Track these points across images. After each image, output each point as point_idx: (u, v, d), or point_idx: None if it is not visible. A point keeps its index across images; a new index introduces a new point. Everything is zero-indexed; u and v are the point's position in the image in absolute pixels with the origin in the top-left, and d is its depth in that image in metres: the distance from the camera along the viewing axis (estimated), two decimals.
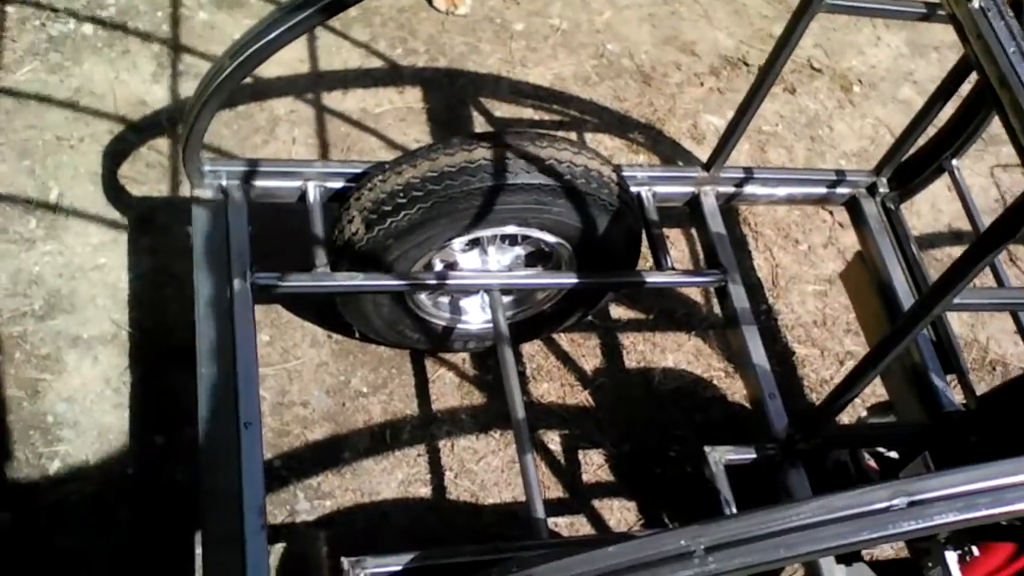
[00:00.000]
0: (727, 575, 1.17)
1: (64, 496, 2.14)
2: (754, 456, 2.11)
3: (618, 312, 2.73)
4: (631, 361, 2.66)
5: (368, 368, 2.48)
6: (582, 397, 2.57)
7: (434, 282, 2.13)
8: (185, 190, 2.62)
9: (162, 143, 2.69)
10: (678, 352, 2.70)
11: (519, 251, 2.30)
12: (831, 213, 3.08)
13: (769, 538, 1.17)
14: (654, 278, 2.28)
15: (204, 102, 1.81)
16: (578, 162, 2.07)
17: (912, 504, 1.17)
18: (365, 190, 2.09)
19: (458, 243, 2.18)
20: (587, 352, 2.64)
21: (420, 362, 2.53)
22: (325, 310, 2.48)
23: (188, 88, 2.78)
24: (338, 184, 2.17)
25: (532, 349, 2.60)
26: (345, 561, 1.81)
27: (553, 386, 2.57)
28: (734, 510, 2.01)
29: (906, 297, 2.29)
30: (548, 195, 2.04)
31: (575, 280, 2.20)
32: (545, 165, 2.03)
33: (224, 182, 2.09)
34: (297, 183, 2.16)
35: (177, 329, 2.41)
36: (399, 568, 1.82)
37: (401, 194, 2.03)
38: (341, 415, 2.40)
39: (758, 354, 2.21)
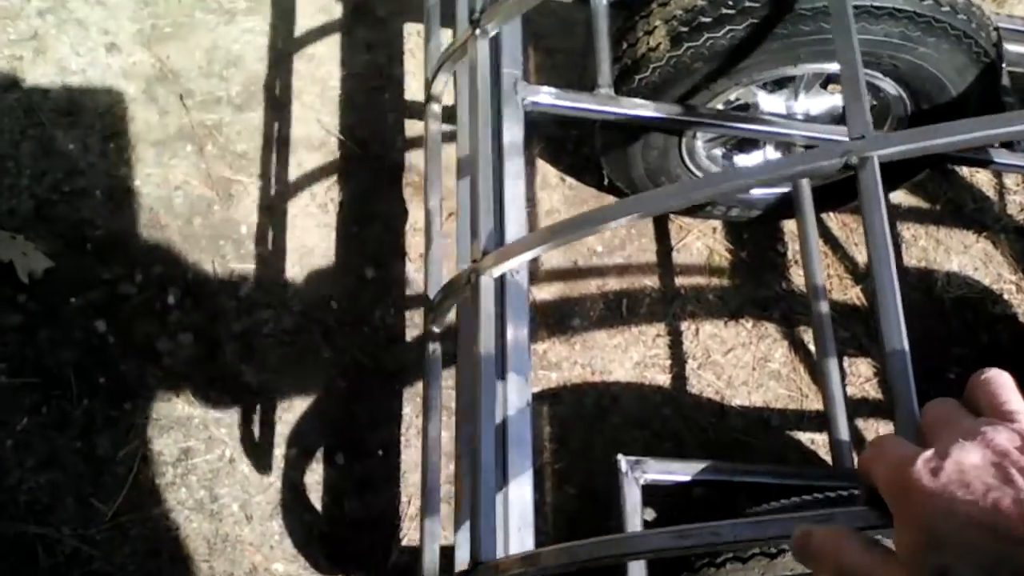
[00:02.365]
0: None
1: (255, 325, 1.79)
2: None
3: (897, 196, 2.26)
4: (910, 258, 2.20)
5: None
6: (852, 293, 2.13)
7: (759, 127, 1.68)
8: None
9: None
10: (964, 254, 2.23)
11: (836, 101, 1.82)
12: None
13: None
14: (1006, 159, 1.80)
15: None
16: None
17: None
18: None
19: (770, 77, 1.71)
20: (860, 240, 2.19)
21: (664, 225, 2.11)
22: (562, 142, 2.05)
23: None
24: None
25: (793, 226, 2.16)
26: (623, 460, 1.43)
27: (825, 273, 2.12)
28: None
29: None
30: (919, 29, 1.56)
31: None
32: None
33: None
34: None
35: (394, 144, 2.01)
36: (685, 478, 1.44)
37: (730, 2, 1.56)
38: (572, 275, 2.00)
39: None
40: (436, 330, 1.44)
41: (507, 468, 1.29)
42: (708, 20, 1.58)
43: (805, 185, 1.79)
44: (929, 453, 0.62)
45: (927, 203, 2.27)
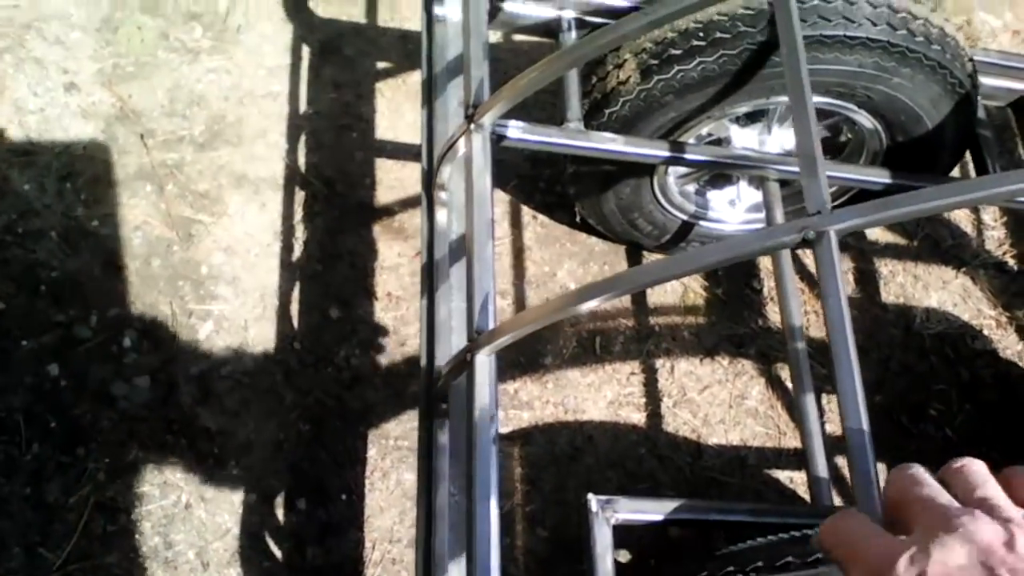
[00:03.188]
0: None
1: (213, 367, 1.73)
2: None
3: (875, 233, 2.23)
4: (888, 295, 2.17)
5: (577, 261, 2.03)
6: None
7: (731, 160, 1.64)
8: (380, 15, 2.16)
9: None
10: (943, 290, 2.20)
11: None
12: None
13: None
14: (981, 191, 1.76)
15: None
16: (935, 23, 1.56)
17: None
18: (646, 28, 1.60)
19: (743, 110, 1.68)
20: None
21: (638, 262, 2.07)
22: (535, 179, 2.02)
23: None
24: (603, 20, 1.69)
25: (769, 263, 2.12)
26: (593, 500, 1.38)
27: (793, 310, 2.08)
28: None
29: None
30: (893, 59, 1.54)
31: (888, 180, 1.70)
32: (898, 19, 1.52)
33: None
34: (551, 11, 1.68)
35: (361, 182, 1.97)
36: (658, 517, 1.39)
37: (700, 34, 1.53)
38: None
39: None
40: (443, 406, 1.37)
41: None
42: (678, 52, 1.56)
43: (778, 218, 1.76)
44: (909, 554, 0.58)
45: (904, 239, 2.24)
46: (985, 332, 2.18)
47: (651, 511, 1.39)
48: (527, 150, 2.03)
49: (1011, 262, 2.28)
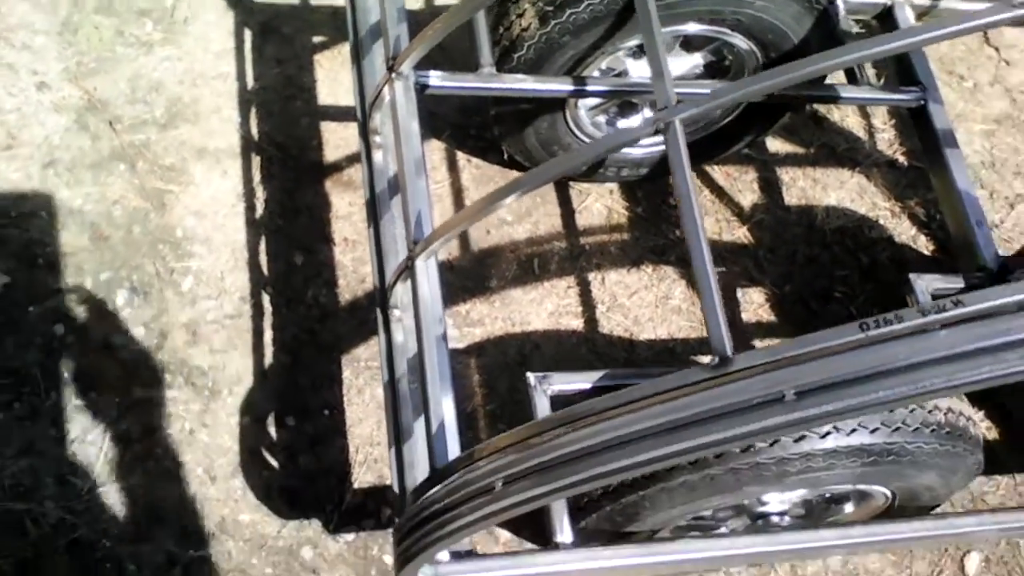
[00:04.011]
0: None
1: (199, 314, 1.98)
2: (962, 285, 1.90)
3: (775, 145, 2.50)
4: (791, 198, 2.44)
5: None
6: (740, 233, 2.36)
7: (620, 88, 1.90)
8: None
9: None
10: (841, 189, 2.48)
11: (697, 59, 2.06)
12: (997, 50, 2.81)
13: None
14: (849, 92, 2.04)
15: None
16: None
17: None
18: None
19: (632, 43, 1.94)
20: (743, 187, 2.43)
21: (565, 192, 2.33)
22: (466, 127, 2.28)
23: None
24: None
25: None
26: (531, 377, 1.65)
27: (708, 221, 2.36)
28: None
29: None
30: None
31: (769, 88, 1.96)
32: None
33: None
34: None
35: (310, 144, 2.21)
36: (586, 386, 1.65)
37: None
38: (485, 242, 2.22)
39: (962, 179, 1.99)
40: (392, 304, 1.61)
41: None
42: None
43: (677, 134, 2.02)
44: None
45: (802, 148, 2.51)
46: (881, 222, 2.46)
47: (580, 381, 1.66)
48: (457, 101, 2.30)
49: (901, 159, 2.56)
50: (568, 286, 2.21)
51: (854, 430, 1.40)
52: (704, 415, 1.08)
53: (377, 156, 1.73)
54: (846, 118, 2.58)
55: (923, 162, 2.33)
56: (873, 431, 1.41)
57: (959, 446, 1.50)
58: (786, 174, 2.47)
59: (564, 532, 1.50)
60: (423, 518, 1.29)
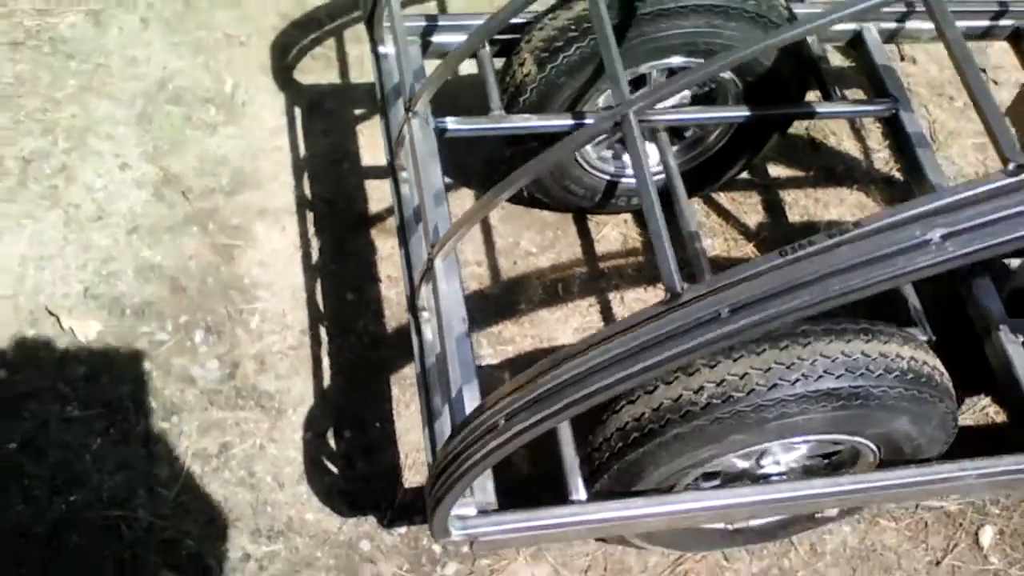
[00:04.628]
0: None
1: (266, 347, 2.26)
2: None
3: (776, 171, 2.73)
4: (794, 216, 2.66)
5: (535, 230, 2.55)
6: (747, 250, 2.59)
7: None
8: (351, 75, 2.74)
9: (324, 37, 2.81)
10: (841, 206, 2.70)
11: (686, 92, 2.32)
12: (984, 71, 3.02)
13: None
14: (825, 108, 2.28)
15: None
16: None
17: None
18: (535, 31, 2.15)
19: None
20: (748, 209, 2.66)
21: (583, 224, 2.59)
22: (491, 175, 2.56)
23: None
24: (506, 36, 2.23)
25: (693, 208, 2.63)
26: None
27: (717, 240, 2.59)
28: (924, 321, 1.99)
29: None
30: (720, 17, 2.07)
31: (747, 112, 2.22)
32: None
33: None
34: (465, 35, 2.23)
35: (356, 200, 2.52)
36: None
37: (572, 27, 2.09)
38: (513, 272, 2.48)
39: (935, 175, 2.19)
40: (420, 306, 1.88)
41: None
42: (561, 43, 2.11)
43: (670, 161, 2.26)
44: None
45: (802, 171, 2.75)
46: None
47: None
48: (482, 153, 2.59)
49: (897, 175, 2.77)
50: (590, 305, 2.45)
51: (820, 376, 1.60)
52: (660, 338, 1.30)
53: (404, 189, 2.03)
54: (843, 142, 2.81)
55: (900, 165, 2.54)
56: (838, 376, 1.61)
57: (924, 391, 1.68)
58: (788, 195, 2.69)
59: (579, 492, 1.72)
60: (445, 466, 1.52)
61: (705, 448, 1.67)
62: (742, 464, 1.84)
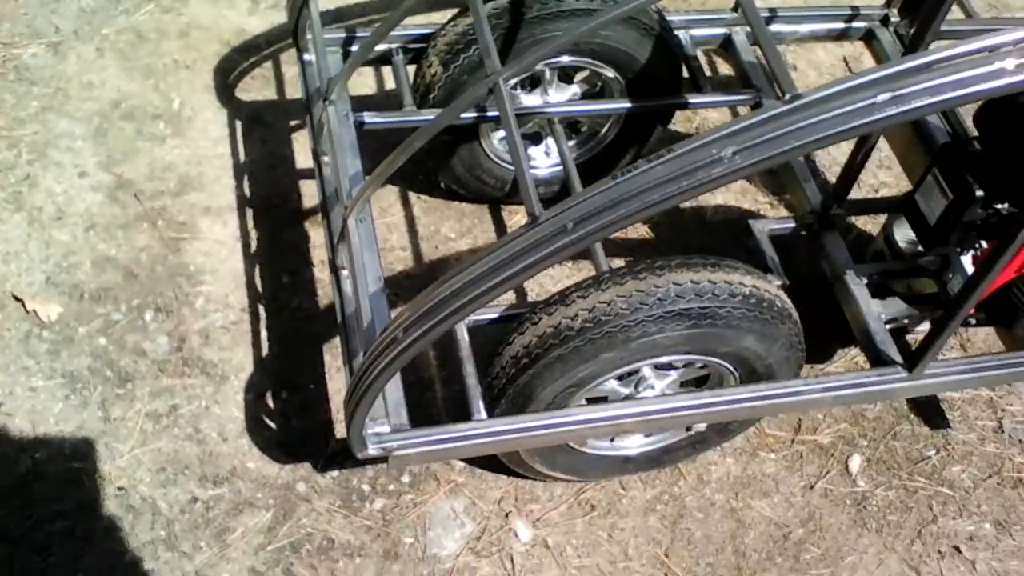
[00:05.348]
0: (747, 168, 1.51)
1: (210, 323, 2.53)
2: (794, 225, 2.43)
3: None
4: (684, 202, 2.98)
5: (454, 220, 2.86)
6: (642, 231, 2.91)
7: (519, 111, 2.49)
8: (287, 92, 3.06)
9: (262, 60, 3.13)
10: (727, 192, 3.03)
11: (575, 89, 2.66)
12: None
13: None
14: (696, 99, 2.61)
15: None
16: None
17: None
18: (440, 37, 2.48)
19: (520, 77, 2.54)
20: None
21: (498, 213, 2.89)
22: (415, 174, 2.87)
23: (279, 18, 3.22)
24: (418, 45, 2.56)
25: None
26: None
27: None
28: (780, 271, 2.31)
29: None
30: (595, 18, 2.40)
31: (628, 104, 2.55)
32: None
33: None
34: (383, 46, 2.55)
35: (291, 198, 2.82)
36: (494, 316, 2.17)
37: (470, 32, 2.41)
38: (434, 255, 2.77)
39: None
40: (339, 264, 2.17)
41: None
42: (461, 46, 2.43)
43: (565, 152, 2.59)
44: None
45: None
46: (761, 214, 3.00)
47: (488, 312, 2.18)
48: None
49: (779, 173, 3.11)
50: None
51: (673, 299, 1.91)
52: (524, 250, 1.60)
53: (326, 171, 2.33)
54: None
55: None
56: (688, 299, 1.91)
57: (766, 313, 2.00)
58: None
59: (480, 412, 2.00)
60: (359, 381, 1.81)
61: (583, 367, 1.96)
62: (623, 391, 2.14)
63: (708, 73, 3.10)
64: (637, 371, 2.09)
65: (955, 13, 2.47)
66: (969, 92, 1.46)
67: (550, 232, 1.60)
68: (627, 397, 2.15)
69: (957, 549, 2.46)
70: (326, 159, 2.34)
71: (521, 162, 1.78)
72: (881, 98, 1.50)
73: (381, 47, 2.56)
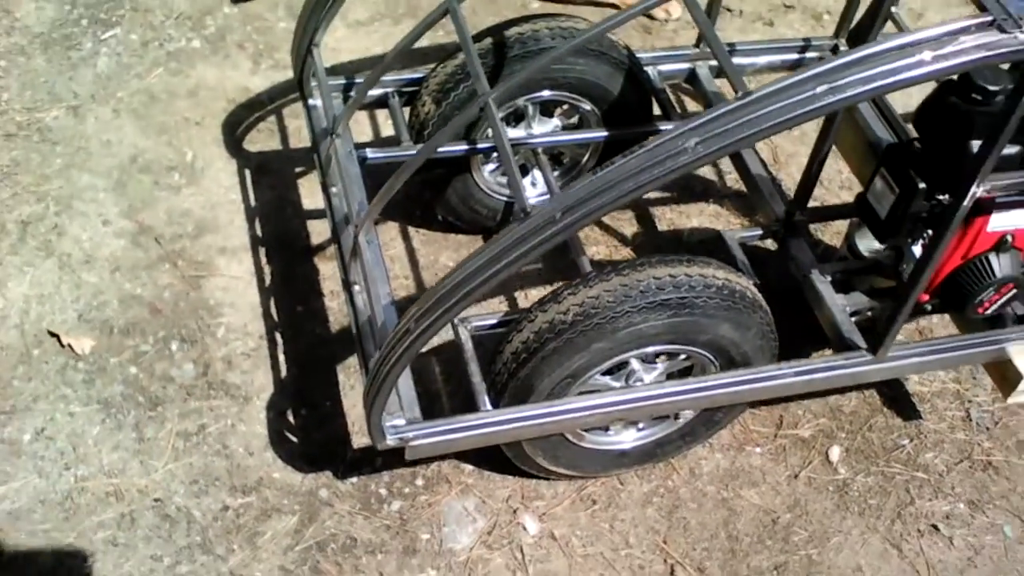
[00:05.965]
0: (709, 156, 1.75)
1: (231, 350, 2.74)
2: (761, 232, 2.67)
3: (650, 196, 3.31)
4: (662, 225, 3.23)
5: (451, 250, 3.09)
6: (626, 252, 3.14)
7: (486, 146, 2.74)
8: (291, 142, 3.31)
9: (266, 114, 3.38)
10: (701, 216, 3.28)
11: (556, 122, 2.91)
12: None
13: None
14: (667, 126, 2.87)
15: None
16: (580, 27, 2.71)
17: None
18: (431, 78, 2.74)
19: (506, 111, 2.79)
20: (624, 223, 3.22)
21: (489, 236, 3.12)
22: (413, 209, 3.11)
23: (280, 76, 3.49)
24: (411, 88, 2.82)
25: None
26: (455, 320, 2.38)
27: (600, 248, 3.14)
28: (751, 272, 2.54)
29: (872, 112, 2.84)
30: (572, 53, 2.65)
31: (605, 133, 2.81)
32: (563, 31, 2.66)
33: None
34: (379, 90, 2.81)
35: (300, 236, 3.05)
36: (494, 321, 2.39)
37: (459, 72, 2.67)
38: (435, 282, 2.98)
39: (754, 165, 2.78)
40: (352, 281, 2.39)
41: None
42: (451, 85, 2.69)
43: (551, 181, 2.83)
44: None
45: (667, 191, 3.33)
46: None
47: (490, 318, 2.39)
48: (404, 190, 3.14)
49: (747, 191, 3.36)
50: (500, 302, 2.97)
51: (654, 291, 2.13)
52: (517, 242, 1.83)
53: (335, 200, 2.56)
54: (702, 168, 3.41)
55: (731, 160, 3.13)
56: (668, 291, 2.14)
57: (739, 303, 2.22)
58: (657, 210, 3.27)
59: (486, 405, 2.21)
60: (376, 374, 2.01)
61: (577, 357, 2.17)
62: (616, 385, 2.34)
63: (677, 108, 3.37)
64: (626, 364, 2.30)
65: None
66: (894, 81, 1.71)
67: (541, 223, 1.83)
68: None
69: (935, 527, 2.65)
70: (334, 190, 2.57)
71: (511, 164, 2.01)
72: (820, 89, 1.74)
73: (378, 91, 2.81)
